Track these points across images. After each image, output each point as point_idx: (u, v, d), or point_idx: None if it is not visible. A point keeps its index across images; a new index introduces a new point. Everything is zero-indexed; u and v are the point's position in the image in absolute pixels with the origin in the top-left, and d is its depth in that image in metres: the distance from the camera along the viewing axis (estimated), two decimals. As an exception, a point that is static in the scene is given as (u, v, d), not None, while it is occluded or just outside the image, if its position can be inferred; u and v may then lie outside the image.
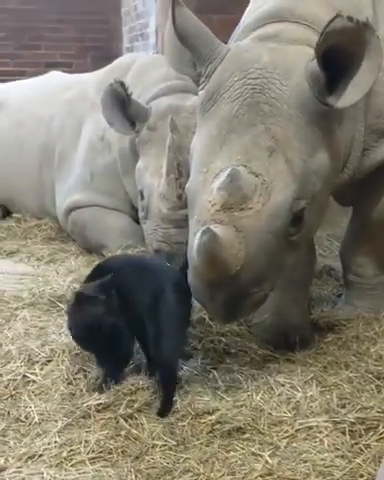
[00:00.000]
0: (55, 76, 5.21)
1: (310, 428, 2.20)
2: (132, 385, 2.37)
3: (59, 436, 2.17)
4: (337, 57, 2.25)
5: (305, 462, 2.02)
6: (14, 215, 4.97)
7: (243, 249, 2.21)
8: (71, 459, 2.07)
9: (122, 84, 3.50)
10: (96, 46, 8.02)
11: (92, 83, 4.47)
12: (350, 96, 2.29)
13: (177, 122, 3.48)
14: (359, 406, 2.26)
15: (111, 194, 4.14)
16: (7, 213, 5.07)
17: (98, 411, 2.28)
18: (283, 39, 2.47)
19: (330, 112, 2.37)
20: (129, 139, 3.87)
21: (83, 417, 2.26)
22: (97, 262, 3.06)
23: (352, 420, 2.19)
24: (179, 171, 3.29)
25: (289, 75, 2.35)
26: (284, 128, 2.31)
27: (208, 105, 2.47)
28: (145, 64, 4.18)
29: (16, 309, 3.26)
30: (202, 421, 2.25)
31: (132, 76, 4.10)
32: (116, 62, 4.49)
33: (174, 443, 2.15)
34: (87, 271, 3.70)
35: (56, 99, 4.71)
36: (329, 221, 4.62)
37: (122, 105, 3.57)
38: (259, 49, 2.46)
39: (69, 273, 3.77)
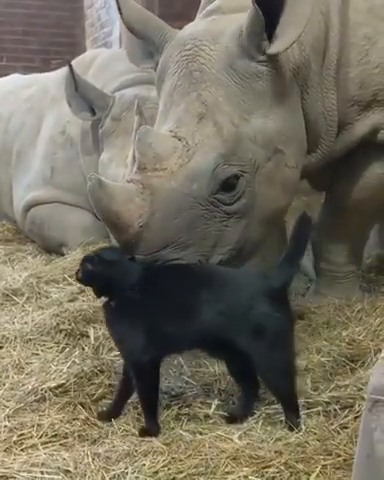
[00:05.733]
0: (15, 77, 5.11)
1: (282, 411, 2.05)
2: (94, 367, 2.20)
3: (9, 421, 1.98)
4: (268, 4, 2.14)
5: (277, 441, 1.87)
6: (-30, 218, 4.77)
7: (147, 207, 2.09)
8: (21, 443, 1.88)
9: (69, 65, 3.49)
10: (59, 58, 7.94)
11: (53, 79, 4.37)
12: (287, 35, 2.17)
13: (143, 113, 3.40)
14: (333, 385, 2.13)
15: (72, 190, 3.99)
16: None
17: (56, 395, 2.11)
18: (224, 10, 2.46)
19: (266, 73, 2.25)
20: (91, 132, 3.76)
21: (36, 401, 2.08)
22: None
23: (326, 400, 2.07)
24: None
25: (218, 39, 2.29)
26: (213, 93, 2.25)
27: (159, 85, 2.47)
28: (108, 58, 4.12)
29: (-33, 303, 3.07)
30: (167, 406, 2.09)
31: (95, 70, 4.02)
32: (79, 58, 4.39)
33: (137, 428, 1.98)
34: (45, 269, 3.58)
35: (16, 97, 4.59)
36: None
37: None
38: (199, 24, 2.47)
39: (25, 269, 3.59)
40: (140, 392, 2.00)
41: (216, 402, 2.11)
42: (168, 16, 2.61)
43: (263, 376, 2.02)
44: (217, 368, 2.32)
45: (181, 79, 2.32)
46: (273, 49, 2.21)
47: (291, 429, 1.93)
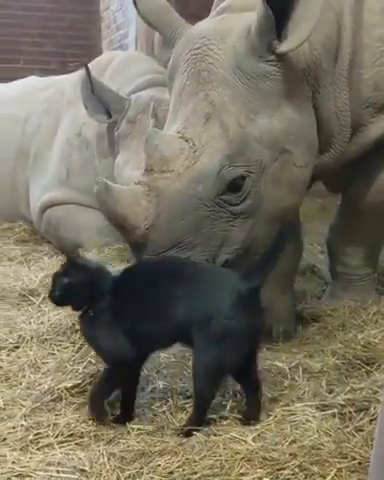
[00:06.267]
0: (32, 79, 5.15)
1: (297, 413, 2.06)
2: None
3: (25, 420, 2.00)
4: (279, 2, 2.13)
5: (292, 443, 1.87)
6: (-13, 218, 4.82)
7: (153, 208, 2.13)
8: (38, 442, 1.89)
9: (86, 67, 3.50)
10: (76, 61, 7.98)
11: (69, 81, 4.40)
12: (298, 33, 2.16)
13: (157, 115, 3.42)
14: (349, 388, 2.13)
15: (88, 191, 3.96)
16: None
17: (71, 395, 2.13)
18: (234, 9, 2.46)
19: (274, 73, 2.24)
20: (107, 134, 3.79)
21: (53, 401, 2.09)
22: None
23: (341, 402, 2.06)
24: None
25: (225, 39, 2.29)
26: (220, 93, 2.25)
27: (170, 84, 2.47)
28: (124, 60, 4.14)
29: (-16, 303, 3.11)
30: (181, 407, 2.10)
31: (111, 72, 4.05)
32: (95, 60, 4.42)
33: (151, 429, 1.99)
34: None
35: (33, 99, 4.63)
36: (311, 229, 4.61)
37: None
38: (210, 22, 2.46)
39: (41, 270, 3.62)
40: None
41: (230, 403, 2.11)
42: (184, 16, 2.61)
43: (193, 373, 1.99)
44: (232, 369, 2.32)
45: (190, 79, 2.32)
46: (284, 47, 2.20)
47: (187, 434, 1.92)
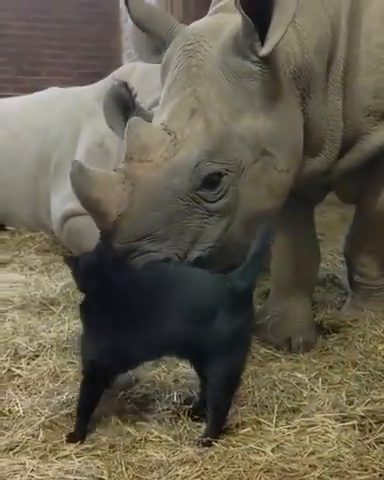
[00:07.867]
0: (53, 90, 5.21)
1: (316, 424, 2.04)
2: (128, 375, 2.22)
3: (44, 428, 2.00)
4: (260, 5, 2.12)
5: (311, 454, 1.85)
6: (8, 228, 4.89)
7: (126, 196, 2.12)
8: (56, 451, 1.90)
9: (125, 85, 3.41)
10: (96, 72, 8.07)
11: (90, 92, 4.44)
12: (272, 38, 2.15)
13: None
14: (369, 399, 2.11)
15: (108, 201, 4.04)
16: (1, 227, 4.98)
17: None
18: (230, 9, 2.41)
19: (260, 74, 2.23)
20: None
21: (70, 412, 2.09)
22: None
23: (361, 414, 2.04)
24: None
25: (217, 36, 2.29)
26: (207, 88, 2.25)
27: (162, 79, 2.47)
28: (146, 71, 4.14)
29: (5, 312, 3.14)
30: (200, 417, 2.09)
31: (134, 83, 4.04)
32: (116, 71, 4.47)
33: (169, 438, 1.98)
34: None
35: (53, 109, 4.68)
36: (331, 239, 4.60)
37: (125, 108, 3.48)
38: (205, 20, 2.48)
39: (62, 279, 3.65)
40: (86, 397, 2.00)
41: (252, 414, 2.10)
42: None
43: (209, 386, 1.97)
44: (251, 380, 2.32)
45: (180, 74, 2.32)
46: (263, 50, 2.18)
47: (206, 444, 1.90)
